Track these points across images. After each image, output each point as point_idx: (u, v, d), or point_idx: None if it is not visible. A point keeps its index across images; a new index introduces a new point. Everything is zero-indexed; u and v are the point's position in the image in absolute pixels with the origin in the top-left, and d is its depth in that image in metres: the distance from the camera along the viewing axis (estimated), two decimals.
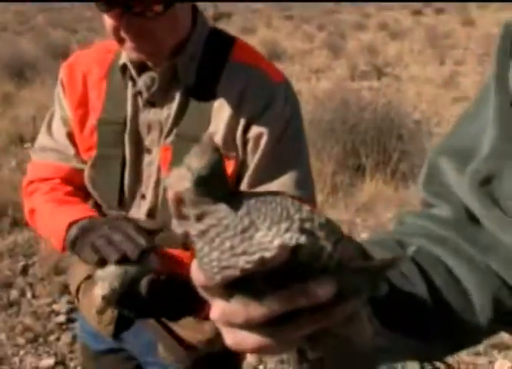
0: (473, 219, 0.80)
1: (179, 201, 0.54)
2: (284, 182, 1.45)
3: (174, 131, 1.45)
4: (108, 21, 1.35)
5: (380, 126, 5.96)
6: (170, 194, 0.54)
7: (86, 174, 1.55)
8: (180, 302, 1.35)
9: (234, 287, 0.52)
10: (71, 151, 1.57)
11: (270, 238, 0.50)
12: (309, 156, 1.54)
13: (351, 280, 0.53)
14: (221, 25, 1.63)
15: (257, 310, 0.52)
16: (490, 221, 0.78)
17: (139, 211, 1.52)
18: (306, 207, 0.54)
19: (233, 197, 0.54)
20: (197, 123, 1.44)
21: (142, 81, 1.46)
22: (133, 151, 1.50)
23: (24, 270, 4.32)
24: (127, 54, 1.44)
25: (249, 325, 0.53)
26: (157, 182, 1.48)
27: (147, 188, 1.50)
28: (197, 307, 1.39)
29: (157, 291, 1.27)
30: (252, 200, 0.54)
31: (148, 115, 1.48)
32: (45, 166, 1.60)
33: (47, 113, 1.64)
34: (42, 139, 1.62)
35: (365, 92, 9.30)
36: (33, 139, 7.11)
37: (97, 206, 1.58)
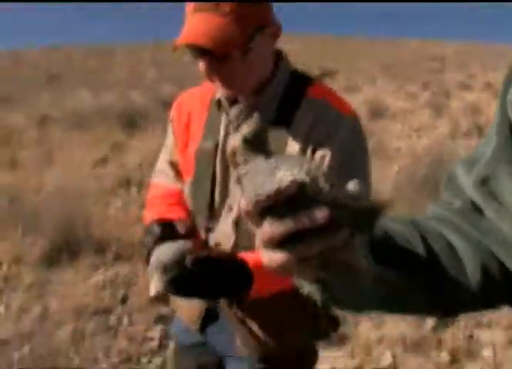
0: (477, 210, 0.99)
1: (234, 153, 0.83)
2: None
3: None
4: (200, 65, 1.64)
5: None
6: (228, 149, 0.83)
7: (185, 191, 1.85)
8: (222, 279, 1.53)
9: (265, 213, 0.74)
10: (172, 174, 1.91)
11: (286, 176, 0.73)
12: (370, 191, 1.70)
13: (343, 213, 0.74)
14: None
15: (278, 227, 0.72)
16: (490, 212, 0.97)
17: (226, 221, 1.75)
18: (316, 162, 0.76)
19: (269, 154, 0.81)
20: (276, 146, 1.60)
21: (233, 112, 1.72)
22: (222, 171, 1.74)
23: (124, 300, 4.63)
24: (220, 91, 1.72)
25: (273, 241, 0.73)
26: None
27: (234, 202, 1.73)
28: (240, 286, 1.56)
29: (202, 266, 1.48)
30: (280, 156, 0.77)
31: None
32: (161, 187, 1.94)
33: (156, 158, 2.02)
34: (159, 164, 1.98)
35: (464, 150, 9.29)
36: (139, 183, 7.55)
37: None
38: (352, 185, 0.75)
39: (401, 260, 0.92)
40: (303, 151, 1.63)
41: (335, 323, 1.88)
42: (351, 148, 1.65)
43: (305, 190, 0.73)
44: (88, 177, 7.83)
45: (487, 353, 3.82)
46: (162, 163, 1.96)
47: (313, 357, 1.93)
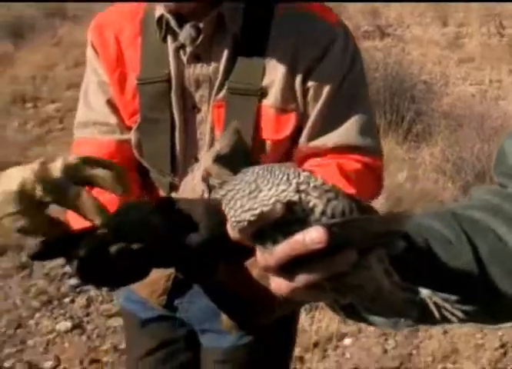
0: None
1: (208, 174, 0.72)
2: (346, 131, 1.35)
3: (226, 85, 1.34)
4: None
5: (392, 86, 5.82)
6: (201, 170, 0.71)
7: (132, 140, 1.43)
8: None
9: (256, 238, 0.65)
10: (113, 120, 1.45)
11: (269, 197, 0.64)
12: (371, 101, 1.44)
13: (344, 232, 0.62)
14: None
15: (270, 257, 0.64)
16: None
17: (194, 175, 1.38)
18: (305, 173, 0.66)
19: (247, 169, 0.68)
20: (250, 74, 1.33)
21: (185, 33, 1.33)
22: (181, 111, 1.38)
23: None
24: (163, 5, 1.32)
25: (268, 270, 0.65)
26: (211, 143, 1.37)
27: (201, 150, 1.40)
28: None
29: None
30: (261, 170, 0.67)
31: (195, 70, 1.36)
32: (89, 143, 1.47)
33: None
34: (81, 114, 1.50)
35: (371, 52, 9.13)
36: (35, 98, 6.95)
37: (145, 173, 1.48)
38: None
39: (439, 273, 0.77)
40: (290, 71, 1.32)
41: None
42: (348, 62, 1.35)
43: (295, 210, 0.64)
44: None
45: None
46: (91, 109, 1.47)
47: (297, 325, 1.68)
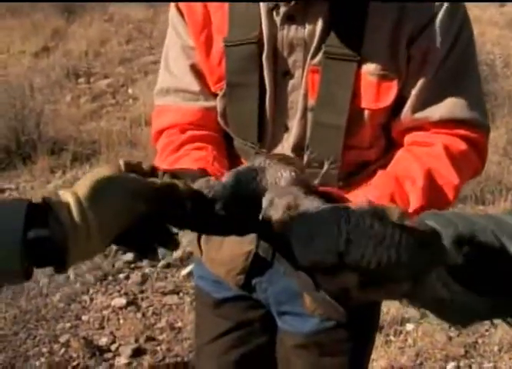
0: None
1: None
2: (454, 103, 1.24)
3: (323, 49, 1.23)
4: None
5: None
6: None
7: (218, 108, 1.35)
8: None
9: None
10: (196, 86, 1.36)
11: (321, 249, 0.77)
12: (480, 74, 1.31)
13: (374, 276, 0.76)
14: None
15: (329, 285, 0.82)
16: None
17: (283, 145, 1.31)
18: (356, 215, 0.76)
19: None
20: (349, 38, 1.21)
21: None
22: (272, 76, 1.28)
23: None
24: None
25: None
26: (304, 111, 1.27)
27: (292, 118, 1.29)
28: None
29: None
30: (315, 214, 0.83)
31: (289, 33, 1.25)
32: (172, 111, 1.39)
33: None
34: (162, 80, 1.42)
35: None
36: (88, 73, 6.92)
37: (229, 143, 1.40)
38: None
39: None
40: (393, 37, 1.21)
41: None
42: (457, 35, 1.23)
43: (345, 258, 0.74)
44: (30, 70, 7.13)
45: None
46: (173, 75, 1.39)
47: (380, 309, 1.59)
